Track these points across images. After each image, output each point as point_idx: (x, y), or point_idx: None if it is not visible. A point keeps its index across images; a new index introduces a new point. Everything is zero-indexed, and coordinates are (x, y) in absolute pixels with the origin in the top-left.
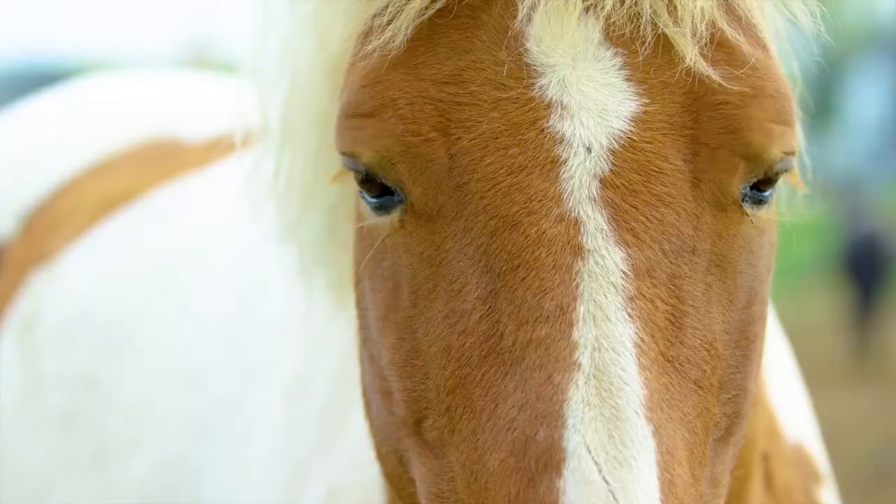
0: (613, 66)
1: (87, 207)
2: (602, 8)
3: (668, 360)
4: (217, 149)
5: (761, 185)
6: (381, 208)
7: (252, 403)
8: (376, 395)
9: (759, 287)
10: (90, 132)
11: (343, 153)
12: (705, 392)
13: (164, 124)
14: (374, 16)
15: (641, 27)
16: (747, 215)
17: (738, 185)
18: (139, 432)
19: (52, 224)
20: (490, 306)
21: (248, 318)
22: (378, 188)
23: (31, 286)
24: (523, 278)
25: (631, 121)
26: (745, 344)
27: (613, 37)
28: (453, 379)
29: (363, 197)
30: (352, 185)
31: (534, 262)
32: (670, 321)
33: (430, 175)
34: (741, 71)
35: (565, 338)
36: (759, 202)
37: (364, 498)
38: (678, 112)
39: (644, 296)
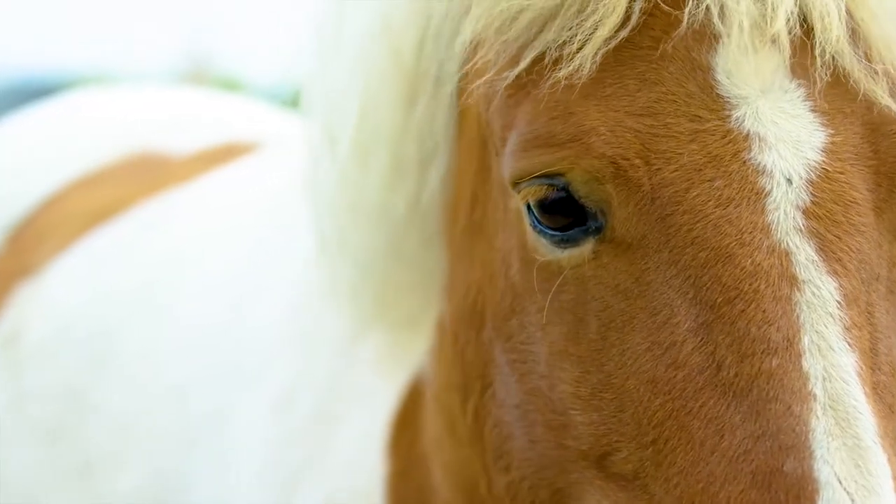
0: (798, 96)
1: (73, 220)
2: (784, 38)
3: (873, 388)
4: (204, 161)
5: None
6: (567, 241)
7: (240, 414)
8: (534, 428)
9: None
10: (78, 145)
11: (534, 175)
12: (894, 416)
13: (152, 137)
14: (561, 44)
15: (823, 59)
16: None
17: None
18: (125, 445)
19: (38, 237)
20: (702, 338)
21: (235, 330)
22: (561, 221)
23: (16, 299)
24: (743, 310)
25: (822, 152)
26: None
27: (795, 67)
28: (662, 411)
29: (543, 232)
30: (419, 208)
31: (753, 294)
32: (870, 348)
33: (637, 201)
34: None
35: (797, 369)
36: None
37: None
38: (859, 143)
39: (856, 325)
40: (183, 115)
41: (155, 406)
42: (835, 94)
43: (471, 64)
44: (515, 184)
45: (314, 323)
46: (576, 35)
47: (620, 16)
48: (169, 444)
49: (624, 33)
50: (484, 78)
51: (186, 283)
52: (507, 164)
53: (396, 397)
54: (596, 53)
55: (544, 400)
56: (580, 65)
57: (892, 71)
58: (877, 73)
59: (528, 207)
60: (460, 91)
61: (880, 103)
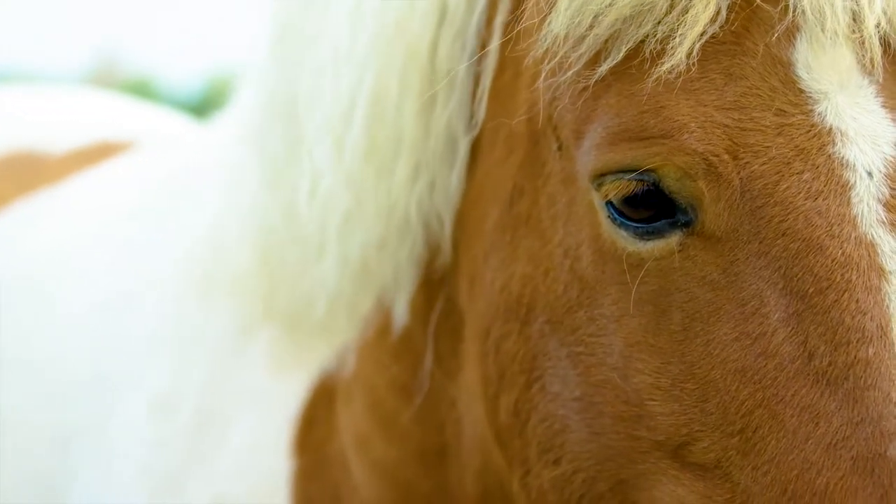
0: (871, 93)
1: None
2: (854, 34)
3: None
4: (79, 160)
5: None
6: (652, 234)
7: (118, 418)
8: (599, 420)
9: None
10: None
11: (622, 169)
12: None
13: (30, 136)
14: (661, 39)
15: (888, 55)
16: None
17: None
18: (2, 446)
19: None
20: (793, 328)
21: (114, 331)
22: (644, 213)
23: None
24: (836, 300)
25: (895, 146)
26: None
27: (864, 63)
28: (751, 400)
29: (624, 224)
30: (429, 204)
31: (846, 284)
32: None
33: (728, 195)
34: None
35: (892, 357)
36: None
37: None
38: None
39: None
40: (62, 115)
41: (33, 407)
42: None
43: (541, 58)
44: (598, 177)
45: (192, 324)
46: (674, 30)
47: (713, 11)
48: (46, 446)
49: (714, 28)
50: (571, 72)
51: (61, 283)
52: (589, 158)
53: (301, 396)
54: (692, 48)
55: (616, 392)
56: (680, 60)
57: None
58: None
59: (608, 201)
60: (498, 85)
61: None
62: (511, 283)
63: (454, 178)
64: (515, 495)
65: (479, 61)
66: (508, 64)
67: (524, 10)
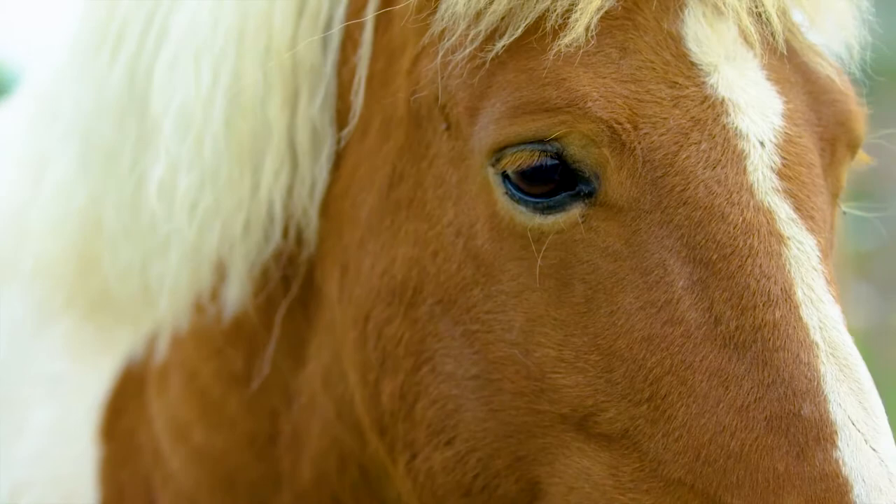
0: (756, 65)
1: None
2: (737, 11)
3: None
4: None
5: None
6: (552, 207)
7: None
8: (498, 397)
9: None
10: None
11: (525, 140)
12: None
13: None
14: (562, 13)
15: (769, 30)
16: (839, 205)
17: (845, 175)
18: None
19: None
20: (698, 294)
21: None
22: (542, 188)
23: None
24: (740, 265)
25: (783, 117)
26: None
27: (748, 38)
28: (659, 368)
29: (523, 200)
30: (294, 197)
31: (749, 250)
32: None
33: (630, 163)
34: (839, 72)
35: (797, 319)
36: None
37: (61, 492)
38: (806, 110)
39: (831, 277)
40: None
41: None
42: (780, 65)
43: (438, 37)
44: (497, 151)
45: None
46: (574, 4)
47: None
48: None
49: (610, 3)
50: (467, 50)
51: None
52: (486, 133)
53: (107, 382)
54: (590, 22)
55: (516, 367)
56: (579, 34)
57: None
58: (818, 46)
59: (505, 176)
60: (370, 75)
61: (821, 73)
62: (393, 267)
63: (320, 170)
64: (399, 480)
65: (351, 53)
66: (381, 53)
67: None
